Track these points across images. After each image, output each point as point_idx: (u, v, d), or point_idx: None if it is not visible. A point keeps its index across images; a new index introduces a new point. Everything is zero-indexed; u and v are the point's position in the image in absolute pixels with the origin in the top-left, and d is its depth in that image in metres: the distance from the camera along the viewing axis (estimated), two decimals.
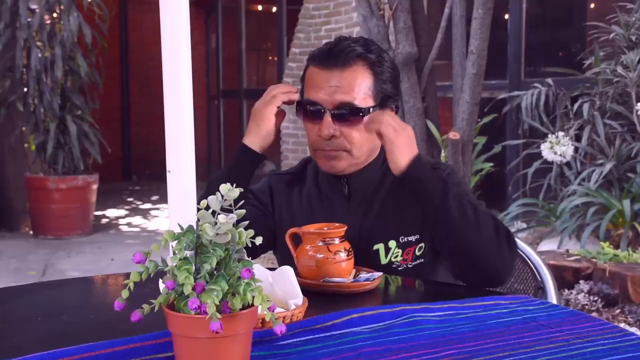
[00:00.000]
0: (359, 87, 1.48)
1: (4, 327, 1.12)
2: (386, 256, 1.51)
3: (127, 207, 8.36)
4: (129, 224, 7.17)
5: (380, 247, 1.51)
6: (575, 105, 4.51)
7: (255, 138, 1.52)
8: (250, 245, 0.87)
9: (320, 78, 1.49)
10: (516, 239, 1.45)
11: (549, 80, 4.84)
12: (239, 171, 1.51)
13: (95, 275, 1.56)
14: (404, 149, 1.41)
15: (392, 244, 1.51)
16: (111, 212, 7.86)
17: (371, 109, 1.49)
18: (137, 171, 11.09)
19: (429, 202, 1.41)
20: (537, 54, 5.80)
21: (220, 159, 9.44)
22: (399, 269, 1.51)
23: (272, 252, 1.68)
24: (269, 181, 1.64)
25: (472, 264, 1.40)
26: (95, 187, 6.47)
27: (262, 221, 1.58)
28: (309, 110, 1.51)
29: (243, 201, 1.48)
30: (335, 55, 1.48)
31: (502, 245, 1.38)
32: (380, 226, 1.53)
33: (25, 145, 6.53)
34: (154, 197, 9.12)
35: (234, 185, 0.86)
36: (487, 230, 1.38)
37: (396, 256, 1.51)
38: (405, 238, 1.51)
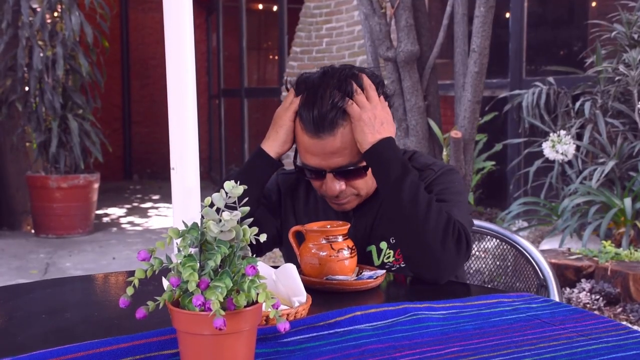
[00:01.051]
0: (355, 143, 1.44)
1: (8, 325, 1.12)
2: (379, 257, 1.52)
3: (128, 206, 8.36)
4: (130, 223, 7.17)
5: (372, 248, 1.52)
6: (577, 104, 4.51)
7: (273, 143, 1.50)
8: (254, 243, 0.87)
9: (313, 146, 1.44)
10: (471, 247, 1.41)
11: (550, 79, 4.84)
12: (252, 175, 1.50)
13: (97, 273, 1.56)
14: (366, 129, 1.41)
15: (384, 245, 1.52)
16: (112, 211, 7.87)
17: None
18: (138, 170, 11.11)
19: (385, 182, 1.41)
20: (538, 52, 5.80)
21: (221, 158, 9.45)
22: (392, 269, 1.51)
23: (274, 249, 1.69)
24: (277, 180, 1.64)
25: (413, 252, 1.39)
26: (96, 186, 6.48)
27: (269, 219, 1.59)
28: (308, 172, 1.49)
29: (256, 206, 1.48)
30: (321, 122, 1.41)
31: (448, 242, 1.35)
32: (371, 228, 1.53)
33: (27, 144, 6.54)
34: (155, 196, 9.13)
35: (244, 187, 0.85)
36: (436, 224, 1.36)
37: (388, 257, 1.51)
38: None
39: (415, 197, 1.37)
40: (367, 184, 1.50)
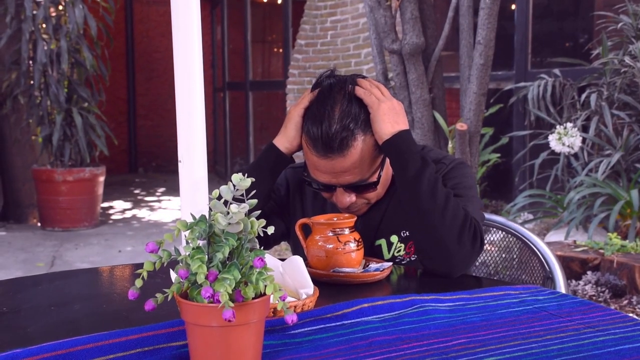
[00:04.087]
0: (365, 161, 1.43)
1: (17, 317, 1.13)
2: (389, 251, 1.52)
3: (133, 199, 8.38)
4: (135, 216, 7.19)
5: (382, 242, 1.53)
6: (583, 96, 4.50)
7: (282, 138, 1.50)
8: (262, 235, 0.87)
9: (323, 166, 1.43)
10: (484, 243, 1.41)
11: (556, 71, 4.82)
12: (262, 169, 1.50)
13: (104, 266, 1.57)
14: (385, 118, 1.40)
15: (394, 238, 1.52)
16: (118, 205, 7.89)
17: (380, 170, 1.47)
18: (143, 163, 11.12)
19: (404, 174, 1.40)
20: (544, 44, 5.78)
21: (226, 151, 9.45)
22: (402, 262, 1.52)
23: (280, 243, 1.69)
24: (286, 174, 1.64)
25: (428, 246, 1.39)
26: (102, 179, 6.49)
27: (278, 213, 1.59)
28: (318, 185, 1.49)
29: (266, 201, 1.47)
30: (330, 142, 1.39)
31: (464, 238, 1.36)
32: (381, 221, 1.54)
33: (32, 137, 6.55)
34: (160, 190, 9.14)
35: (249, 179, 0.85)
36: (453, 219, 1.36)
37: (399, 250, 1.52)
38: (407, 232, 1.51)
39: (434, 191, 1.37)
40: (378, 194, 1.51)
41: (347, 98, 1.42)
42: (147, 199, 8.45)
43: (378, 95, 1.43)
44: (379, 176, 1.47)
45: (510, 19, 5.42)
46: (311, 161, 1.45)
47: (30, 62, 6.08)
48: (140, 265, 0.85)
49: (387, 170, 1.50)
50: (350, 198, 1.47)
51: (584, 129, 4.45)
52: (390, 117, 1.41)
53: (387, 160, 1.48)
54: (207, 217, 0.86)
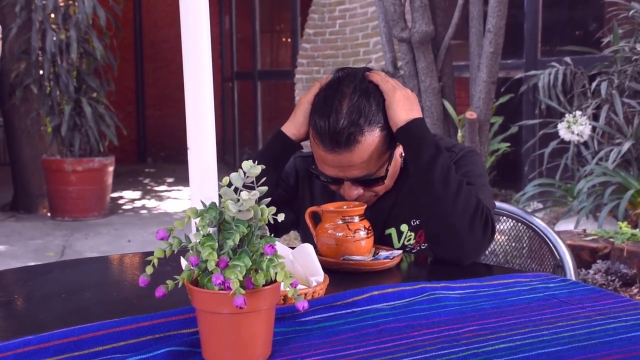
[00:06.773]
0: (372, 156, 1.42)
1: (29, 305, 1.13)
2: (399, 240, 1.52)
3: (142, 189, 8.41)
4: (144, 206, 7.22)
5: (392, 231, 1.52)
6: (593, 84, 4.46)
7: (290, 125, 1.50)
8: (272, 222, 0.87)
9: (330, 159, 1.43)
10: (495, 231, 1.41)
11: (567, 59, 4.78)
12: (270, 156, 1.50)
13: (114, 254, 1.58)
14: (400, 105, 1.41)
15: (404, 227, 1.52)
16: (127, 194, 7.92)
17: (387, 164, 1.47)
18: (152, 153, 11.15)
19: (417, 160, 1.40)
20: (554, 32, 5.73)
21: (234, 141, 9.45)
22: (413, 251, 1.52)
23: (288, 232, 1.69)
24: (294, 163, 1.64)
25: (440, 233, 1.38)
26: (111, 169, 6.51)
27: (287, 202, 1.59)
28: (325, 178, 1.48)
29: (274, 188, 1.48)
30: (337, 137, 1.39)
31: (475, 226, 1.35)
32: (391, 211, 1.53)
33: (42, 127, 6.58)
34: (169, 179, 9.17)
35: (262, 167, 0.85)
36: (465, 206, 1.36)
37: (409, 239, 1.52)
38: (417, 221, 1.51)
39: (447, 178, 1.37)
40: (386, 187, 1.50)
41: (357, 92, 1.42)
42: (156, 188, 8.47)
43: (393, 84, 1.44)
44: (387, 170, 1.46)
45: (521, 7, 5.37)
46: (318, 154, 1.45)
47: (40, 52, 6.10)
48: (151, 254, 0.85)
49: (395, 164, 1.50)
50: (357, 191, 1.47)
51: (595, 117, 4.42)
52: (405, 105, 1.41)
53: (395, 154, 1.48)
54: (217, 204, 0.86)
